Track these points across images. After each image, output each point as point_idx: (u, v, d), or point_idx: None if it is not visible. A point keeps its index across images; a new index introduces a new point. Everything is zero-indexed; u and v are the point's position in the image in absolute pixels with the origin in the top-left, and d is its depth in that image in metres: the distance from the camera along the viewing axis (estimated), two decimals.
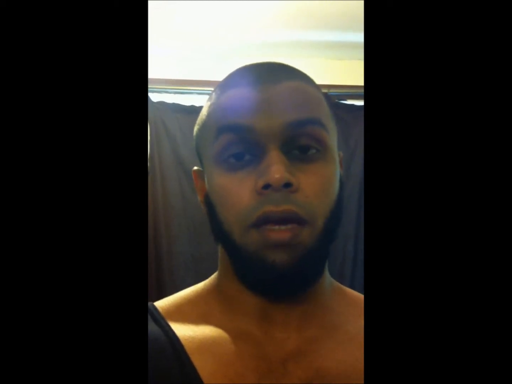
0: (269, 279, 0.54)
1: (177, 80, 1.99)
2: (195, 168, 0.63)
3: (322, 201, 0.54)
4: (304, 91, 0.56)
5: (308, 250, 0.53)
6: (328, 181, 0.55)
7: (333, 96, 2.00)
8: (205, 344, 0.57)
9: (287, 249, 0.52)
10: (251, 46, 1.99)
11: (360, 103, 2.03)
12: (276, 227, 0.52)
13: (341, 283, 0.65)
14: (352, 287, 0.65)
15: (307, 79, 0.59)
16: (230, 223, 0.55)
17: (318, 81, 0.61)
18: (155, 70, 1.89)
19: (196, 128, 0.61)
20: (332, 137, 0.58)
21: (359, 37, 1.89)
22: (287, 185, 0.52)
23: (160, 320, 0.59)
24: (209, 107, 0.59)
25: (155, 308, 0.60)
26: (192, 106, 1.96)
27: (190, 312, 0.60)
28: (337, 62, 2.15)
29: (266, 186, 0.52)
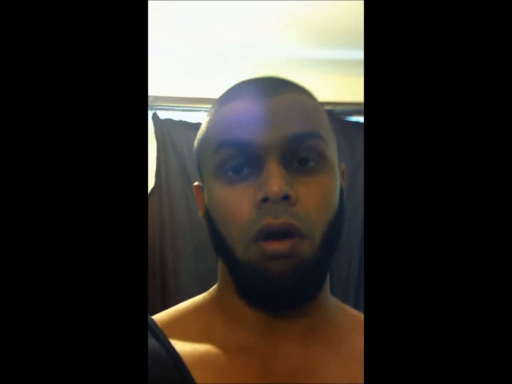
0: (269, 293, 0.53)
1: (184, 98, 2.04)
2: (196, 183, 0.62)
3: (321, 213, 0.54)
4: (303, 104, 0.57)
5: (307, 262, 0.52)
6: (328, 193, 0.55)
7: (339, 113, 2.07)
8: (205, 359, 0.56)
9: (286, 261, 0.52)
10: (251, 46, 1.99)
11: None
12: (276, 242, 0.52)
13: (346, 297, 0.64)
14: (357, 301, 0.65)
15: (306, 91, 0.60)
16: (232, 238, 0.54)
17: (324, 98, 0.61)
18: (161, 86, 1.94)
19: (196, 144, 0.61)
20: (332, 149, 0.58)
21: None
22: (286, 197, 0.51)
23: (159, 335, 0.57)
24: (208, 122, 0.59)
25: (153, 322, 0.59)
26: (199, 123, 1.98)
27: (189, 326, 0.59)
28: (343, 78, 2.15)
29: (265, 199, 0.52)
